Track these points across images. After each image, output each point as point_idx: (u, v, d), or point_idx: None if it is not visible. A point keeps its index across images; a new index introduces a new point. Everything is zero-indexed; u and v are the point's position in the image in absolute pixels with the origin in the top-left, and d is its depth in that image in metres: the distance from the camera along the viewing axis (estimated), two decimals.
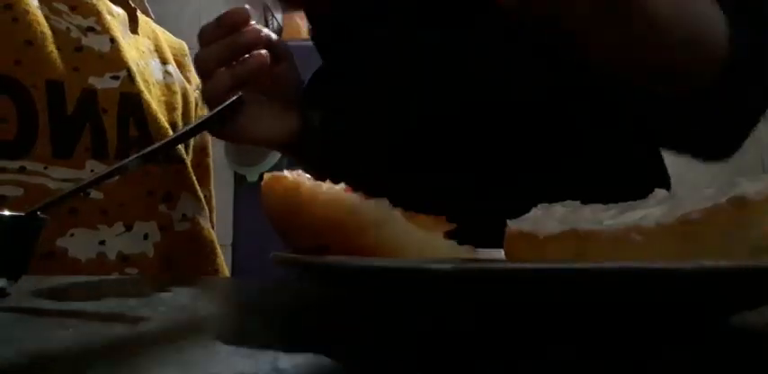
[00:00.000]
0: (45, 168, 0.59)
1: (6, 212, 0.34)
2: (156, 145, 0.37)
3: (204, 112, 0.82)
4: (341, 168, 0.62)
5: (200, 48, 0.53)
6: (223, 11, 0.53)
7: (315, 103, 0.63)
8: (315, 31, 0.68)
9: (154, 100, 0.68)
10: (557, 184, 0.45)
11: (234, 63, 0.51)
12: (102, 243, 0.61)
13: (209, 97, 0.52)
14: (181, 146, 0.70)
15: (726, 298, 0.21)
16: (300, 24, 2.33)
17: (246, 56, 0.52)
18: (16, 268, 0.33)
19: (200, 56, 0.52)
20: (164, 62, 0.76)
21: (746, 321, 0.25)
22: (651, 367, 0.19)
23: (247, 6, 0.53)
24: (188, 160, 0.72)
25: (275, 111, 0.57)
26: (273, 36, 0.55)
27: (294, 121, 0.59)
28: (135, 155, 0.36)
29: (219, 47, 0.51)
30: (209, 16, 0.54)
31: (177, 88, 0.75)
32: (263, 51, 0.52)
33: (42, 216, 0.35)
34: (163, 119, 0.68)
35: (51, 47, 0.62)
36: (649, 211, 0.23)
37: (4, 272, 0.32)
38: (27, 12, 0.62)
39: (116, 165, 0.36)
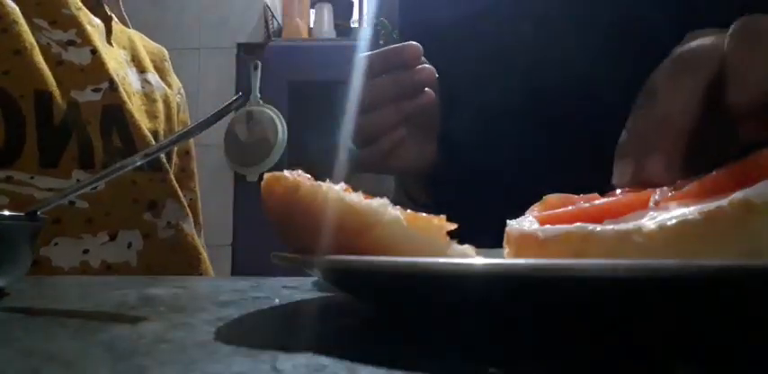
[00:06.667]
0: (31, 178, 0.59)
1: (6, 212, 0.34)
2: (158, 145, 0.37)
3: (185, 116, 0.83)
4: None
5: (366, 78, 0.51)
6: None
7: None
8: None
9: (135, 110, 0.68)
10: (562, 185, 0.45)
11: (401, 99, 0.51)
12: (85, 252, 0.61)
13: (372, 129, 0.51)
14: (162, 155, 0.70)
15: (726, 300, 0.21)
16: (300, 24, 2.33)
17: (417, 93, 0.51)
18: (16, 267, 0.33)
19: (369, 87, 0.50)
20: (141, 71, 0.76)
21: (747, 322, 0.24)
22: (652, 367, 0.19)
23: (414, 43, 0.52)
24: (171, 167, 0.72)
25: (420, 140, 0.57)
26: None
27: (435, 148, 0.58)
28: (139, 153, 0.36)
29: (392, 82, 0.50)
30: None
31: (157, 96, 0.75)
32: (430, 91, 0.52)
33: (41, 215, 0.35)
34: (145, 128, 0.68)
35: (38, 57, 0.62)
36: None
37: (4, 272, 0.32)
38: (16, 22, 0.61)
39: (116, 165, 0.36)
